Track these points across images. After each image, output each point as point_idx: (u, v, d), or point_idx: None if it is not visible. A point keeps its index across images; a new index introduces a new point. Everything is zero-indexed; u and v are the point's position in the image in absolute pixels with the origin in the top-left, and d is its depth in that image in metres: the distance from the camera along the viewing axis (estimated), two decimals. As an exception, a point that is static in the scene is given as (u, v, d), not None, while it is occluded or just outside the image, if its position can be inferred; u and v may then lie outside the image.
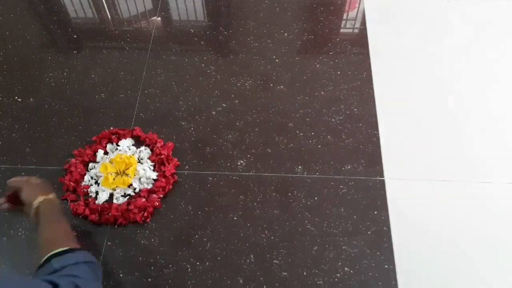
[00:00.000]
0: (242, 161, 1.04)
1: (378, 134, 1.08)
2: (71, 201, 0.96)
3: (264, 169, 1.03)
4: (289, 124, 1.10)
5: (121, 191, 0.98)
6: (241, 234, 0.93)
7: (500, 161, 1.03)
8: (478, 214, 0.96)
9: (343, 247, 0.91)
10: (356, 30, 1.33)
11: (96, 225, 0.94)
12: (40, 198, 0.76)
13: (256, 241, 0.93)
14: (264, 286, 0.87)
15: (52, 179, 1.00)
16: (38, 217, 0.75)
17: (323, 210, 0.96)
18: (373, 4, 1.38)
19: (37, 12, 1.41)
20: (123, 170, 0.99)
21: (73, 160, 1.02)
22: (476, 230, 0.93)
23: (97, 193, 0.98)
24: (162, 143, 1.04)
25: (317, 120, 1.11)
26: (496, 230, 0.93)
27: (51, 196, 0.79)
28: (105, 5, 1.42)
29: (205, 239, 0.93)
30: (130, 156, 1.01)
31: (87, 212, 0.94)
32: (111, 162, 1.00)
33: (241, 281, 0.88)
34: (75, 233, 0.77)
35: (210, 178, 1.01)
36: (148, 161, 1.02)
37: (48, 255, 0.66)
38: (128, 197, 0.97)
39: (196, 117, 1.12)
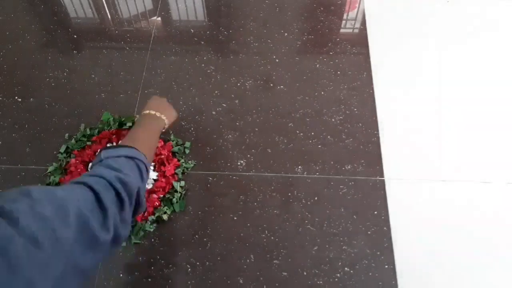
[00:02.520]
0: (242, 161, 1.04)
1: (378, 134, 1.08)
2: (71, 201, 0.96)
3: (264, 169, 1.03)
4: (289, 124, 1.10)
5: (121, 191, 0.97)
6: (241, 234, 0.93)
7: (500, 161, 1.03)
8: (478, 214, 0.96)
9: (343, 247, 0.91)
10: (356, 30, 1.33)
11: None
12: (149, 112, 0.79)
13: (256, 241, 0.93)
14: (264, 286, 0.87)
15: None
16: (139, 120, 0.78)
17: (323, 210, 0.96)
18: (373, 4, 1.38)
19: (37, 12, 1.41)
20: (123, 170, 0.99)
21: (73, 160, 1.02)
22: (476, 230, 0.93)
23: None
24: (162, 143, 1.04)
25: (317, 120, 1.11)
26: (496, 230, 0.93)
27: (162, 116, 0.79)
28: (105, 5, 1.42)
29: (205, 239, 0.93)
30: (130, 156, 1.01)
31: (87, 212, 0.94)
32: (111, 162, 1.00)
33: (241, 281, 0.88)
34: (153, 154, 0.74)
35: (210, 178, 1.01)
36: (148, 161, 1.02)
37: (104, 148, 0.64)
38: (128, 197, 0.97)
39: (196, 117, 1.12)
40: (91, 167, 0.61)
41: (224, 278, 0.88)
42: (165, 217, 0.94)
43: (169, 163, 1.00)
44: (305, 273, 0.88)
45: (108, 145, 0.62)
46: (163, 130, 0.80)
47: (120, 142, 0.72)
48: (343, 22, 1.36)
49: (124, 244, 0.92)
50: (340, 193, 0.99)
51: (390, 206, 0.96)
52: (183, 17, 1.38)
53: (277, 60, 1.24)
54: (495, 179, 1.01)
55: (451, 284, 0.88)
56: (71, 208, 0.43)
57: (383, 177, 1.01)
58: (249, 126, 1.10)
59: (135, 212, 0.57)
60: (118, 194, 0.52)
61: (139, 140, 0.70)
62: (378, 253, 0.90)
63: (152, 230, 0.94)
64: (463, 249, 0.91)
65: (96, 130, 1.08)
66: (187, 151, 1.05)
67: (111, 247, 0.48)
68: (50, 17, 1.38)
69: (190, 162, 1.03)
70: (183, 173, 1.01)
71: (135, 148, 0.63)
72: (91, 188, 0.49)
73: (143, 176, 0.61)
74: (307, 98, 1.15)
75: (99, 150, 0.62)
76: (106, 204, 0.48)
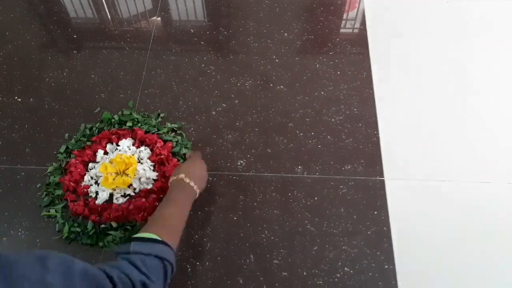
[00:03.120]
0: (242, 161, 1.04)
1: (378, 134, 1.08)
2: (71, 201, 0.96)
3: (264, 169, 1.03)
4: (289, 124, 1.10)
5: (121, 191, 0.98)
6: (241, 234, 0.93)
7: (500, 161, 1.03)
8: (478, 214, 0.96)
9: (343, 247, 0.91)
10: (356, 30, 1.33)
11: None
12: (179, 176, 0.79)
13: (256, 241, 0.93)
14: (264, 286, 0.87)
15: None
16: (169, 189, 0.78)
17: (323, 210, 0.96)
18: (373, 4, 1.38)
19: (37, 12, 1.41)
20: (123, 170, 0.99)
21: (73, 160, 1.02)
22: (476, 230, 0.93)
23: (97, 193, 0.98)
24: (162, 143, 1.04)
25: (317, 120, 1.11)
26: (496, 230, 0.93)
27: (191, 182, 0.79)
28: (105, 5, 1.42)
29: (205, 239, 0.93)
30: (130, 156, 1.01)
31: (87, 212, 0.94)
32: (111, 162, 1.00)
33: (241, 281, 0.88)
34: (183, 230, 0.74)
35: (210, 178, 1.01)
36: (148, 161, 1.02)
37: (136, 235, 0.64)
38: (128, 197, 0.97)
39: (196, 117, 1.12)
40: (117, 254, 0.60)
41: (224, 278, 0.88)
42: None
43: (169, 163, 1.00)
44: (305, 273, 0.88)
45: (141, 234, 0.62)
46: (196, 198, 0.80)
47: (151, 218, 0.72)
48: (343, 22, 1.36)
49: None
50: (340, 193, 0.99)
51: (390, 206, 0.96)
52: (183, 17, 1.38)
53: (277, 60, 1.24)
54: (495, 179, 1.00)
55: (451, 284, 0.88)
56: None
57: (383, 177, 1.01)
58: (249, 126, 1.10)
59: None
60: None
61: (171, 225, 0.71)
62: (378, 253, 0.90)
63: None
64: (463, 249, 0.91)
65: (96, 130, 1.08)
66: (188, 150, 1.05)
67: None
68: (50, 17, 1.38)
69: None
70: None
71: (168, 246, 0.63)
72: (110, 280, 0.49)
73: (166, 279, 0.61)
74: (307, 98, 1.15)
75: (130, 241, 0.61)
76: None
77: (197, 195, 0.81)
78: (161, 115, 1.11)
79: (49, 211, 0.96)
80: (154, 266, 0.58)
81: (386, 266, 0.89)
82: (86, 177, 1.00)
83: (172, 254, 0.64)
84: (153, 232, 0.66)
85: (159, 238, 0.65)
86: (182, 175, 0.80)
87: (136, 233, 0.91)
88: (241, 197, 0.99)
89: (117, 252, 0.62)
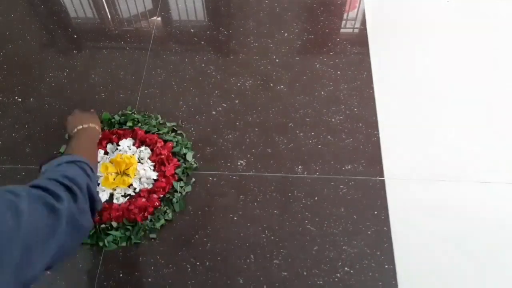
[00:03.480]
0: (242, 161, 1.04)
1: (378, 134, 1.08)
2: (71, 201, 0.96)
3: (264, 169, 1.03)
4: (289, 124, 1.10)
5: (121, 191, 0.98)
6: (241, 234, 0.93)
7: (500, 161, 1.03)
8: (478, 214, 0.96)
9: (343, 247, 0.91)
10: (356, 30, 1.33)
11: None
12: (78, 127, 0.88)
13: (256, 241, 0.93)
14: (264, 286, 0.87)
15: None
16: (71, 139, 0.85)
17: (323, 210, 0.96)
18: (373, 4, 1.38)
19: (37, 12, 1.41)
20: (123, 170, 0.99)
21: (73, 160, 1.02)
22: (476, 230, 0.93)
23: (97, 193, 0.98)
24: (162, 143, 1.04)
25: (317, 120, 1.11)
26: (496, 230, 0.93)
27: (91, 125, 0.89)
28: (105, 5, 1.42)
29: (205, 239, 0.93)
30: (130, 156, 1.01)
31: (87, 212, 0.94)
32: (111, 162, 1.00)
33: (241, 281, 0.88)
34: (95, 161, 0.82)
35: (210, 178, 1.01)
36: (148, 161, 1.02)
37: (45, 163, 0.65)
38: (128, 197, 0.97)
39: (196, 117, 1.12)
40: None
41: (224, 278, 0.88)
42: (166, 217, 0.95)
43: (169, 163, 1.00)
44: (305, 273, 0.88)
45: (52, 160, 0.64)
46: (100, 135, 0.91)
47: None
48: (343, 22, 1.36)
49: (124, 244, 0.92)
50: (340, 193, 0.99)
51: (390, 206, 0.96)
52: (183, 17, 1.38)
53: (277, 60, 1.24)
54: (495, 179, 1.00)
55: (451, 284, 0.88)
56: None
57: (383, 177, 1.01)
58: (249, 126, 1.10)
59: (93, 208, 0.59)
60: (68, 188, 0.53)
61: (77, 150, 0.77)
62: (378, 253, 0.90)
63: (158, 228, 0.94)
64: (463, 249, 0.91)
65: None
66: (189, 156, 1.04)
67: (72, 228, 0.50)
68: (50, 17, 1.38)
69: (194, 161, 1.03)
70: (183, 172, 1.01)
71: (73, 154, 0.66)
72: (40, 187, 0.50)
73: (88, 174, 0.62)
74: (307, 98, 1.15)
75: (39, 165, 0.65)
76: (58, 193, 0.50)
77: (99, 131, 0.93)
78: (161, 121, 1.11)
79: None
80: (67, 168, 0.60)
81: (386, 266, 0.89)
82: (86, 177, 1.00)
83: (83, 158, 0.65)
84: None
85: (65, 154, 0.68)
86: (78, 127, 0.89)
87: (136, 234, 0.92)
88: (241, 197, 0.99)
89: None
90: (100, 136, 0.94)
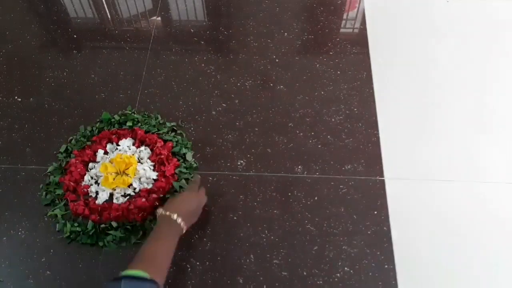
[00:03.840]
0: (242, 161, 1.04)
1: (378, 134, 1.08)
2: (71, 201, 0.96)
3: (264, 169, 1.03)
4: (289, 124, 1.10)
5: (121, 191, 0.98)
6: (241, 234, 0.93)
7: (500, 161, 1.03)
8: (478, 214, 0.96)
9: (343, 247, 0.91)
10: (356, 30, 1.33)
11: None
12: (167, 213, 0.80)
13: (256, 241, 0.93)
14: (264, 286, 0.87)
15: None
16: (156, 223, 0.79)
17: (323, 210, 0.96)
18: (373, 4, 1.38)
19: (37, 12, 1.41)
20: (123, 170, 0.99)
21: (73, 160, 1.02)
22: (476, 230, 0.93)
23: (97, 193, 0.98)
24: (162, 143, 1.04)
25: (317, 120, 1.11)
26: (496, 230, 0.93)
27: (178, 219, 0.79)
28: (105, 5, 1.42)
29: (205, 239, 0.93)
30: (130, 156, 1.01)
31: (87, 212, 0.94)
32: (111, 162, 1.00)
33: (241, 281, 0.88)
34: (169, 266, 0.75)
35: (210, 178, 1.01)
36: (148, 161, 1.02)
37: (124, 273, 0.66)
38: (128, 197, 0.97)
39: (196, 117, 1.12)
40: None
41: (224, 278, 0.88)
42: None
43: (169, 163, 1.00)
44: (305, 273, 0.88)
45: (129, 272, 0.65)
46: (182, 234, 0.81)
47: (138, 254, 0.74)
48: (343, 22, 1.36)
49: (123, 244, 0.92)
50: (340, 193, 0.99)
51: (390, 206, 0.96)
52: (183, 17, 1.38)
53: (277, 60, 1.24)
54: (495, 179, 1.00)
55: (451, 284, 0.88)
56: None
57: (383, 177, 1.01)
58: (249, 126, 1.10)
59: None
60: None
61: (159, 262, 0.72)
62: (378, 253, 0.90)
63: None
64: (463, 249, 0.91)
65: (96, 130, 1.08)
66: (189, 156, 1.04)
67: None
68: (50, 17, 1.38)
69: (194, 161, 1.03)
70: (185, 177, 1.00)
71: (156, 284, 0.65)
72: None
73: None
74: (307, 98, 1.15)
75: (119, 279, 0.63)
76: None
77: (184, 231, 0.81)
78: (160, 121, 1.10)
79: (53, 211, 0.96)
80: None
81: (386, 266, 0.89)
82: (86, 177, 1.00)
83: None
84: (141, 269, 0.67)
85: (147, 276, 0.66)
86: (171, 213, 0.80)
87: (136, 234, 0.92)
88: (241, 197, 0.99)
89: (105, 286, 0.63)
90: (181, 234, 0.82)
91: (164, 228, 0.80)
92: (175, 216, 0.80)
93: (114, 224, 0.93)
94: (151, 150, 1.04)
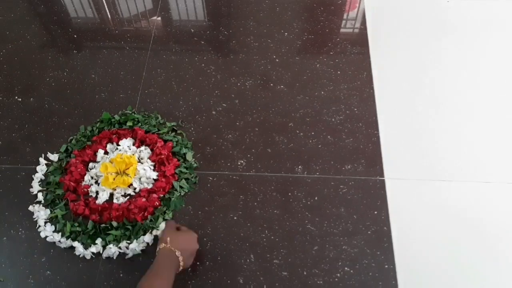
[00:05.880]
0: (242, 161, 1.04)
1: (378, 134, 1.08)
2: (71, 201, 0.96)
3: (264, 169, 1.03)
4: (289, 124, 1.10)
5: (121, 191, 0.98)
6: (241, 234, 0.94)
7: (500, 161, 1.03)
8: (478, 214, 0.96)
9: (343, 247, 0.91)
10: (356, 30, 1.33)
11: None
12: (172, 248, 0.78)
13: (256, 241, 0.93)
14: (264, 286, 0.87)
15: (52, 179, 1.00)
16: (156, 257, 0.78)
17: (323, 210, 0.96)
18: (373, 4, 1.38)
19: (37, 12, 1.41)
20: (123, 170, 0.99)
21: (73, 160, 1.02)
22: (476, 230, 0.93)
23: (97, 193, 0.98)
24: (162, 143, 1.04)
25: (317, 120, 1.11)
26: (496, 230, 0.93)
27: (180, 257, 0.78)
28: (105, 5, 1.42)
29: (205, 239, 0.93)
30: (130, 156, 1.01)
31: (87, 212, 0.94)
32: (111, 162, 1.00)
33: (241, 281, 0.88)
34: None
35: (210, 178, 1.01)
36: (148, 161, 1.02)
37: None
38: (128, 197, 0.97)
39: (196, 117, 1.12)
40: None
41: (224, 278, 0.88)
42: (166, 217, 0.95)
43: (169, 163, 1.00)
44: (305, 273, 0.88)
45: None
46: (177, 272, 0.78)
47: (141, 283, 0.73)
48: (343, 22, 1.36)
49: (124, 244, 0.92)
50: (340, 193, 0.99)
51: (390, 206, 0.96)
52: (183, 17, 1.38)
53: (277, 60, 1.24)
54: (495, 179, 1.00)
55: (451, 284, 0.88)
56: None
57: (383, 177, 1.01)
58: (249, 126, 1.10)
59: None
60: None
61: None
62: (378, 253, 0.90)
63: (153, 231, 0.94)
64: (463, 249, 0.91)
65: (96, 130, 1.08)
66: (189, 156, 1.04)
67: None
68: (50, 17, 1.38)
69: (194, 161, 1.03)
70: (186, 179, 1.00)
71: None
72: None
73: None
74: (307, 98, 1.15)
75: None
76: None
77: (179, 270, 0.79)
78: (161, 121, 1.10)
79: (54, 212, 0.96)
80: None
81: (386, 266, 0.89)
82: (87, 177, 1.00)
83: None
84: None
85: None
86: (175, 250, 0.78)
87: (136, 233, 0.92)
88: (241, 197, 0.99)
89: None
90: (181, 269, 0.79)
91: (166, 263, 0.77)
92: (178, 254, 0.78)
93: (114, 223, 0.93)
94: (151, 150, 1.04)
